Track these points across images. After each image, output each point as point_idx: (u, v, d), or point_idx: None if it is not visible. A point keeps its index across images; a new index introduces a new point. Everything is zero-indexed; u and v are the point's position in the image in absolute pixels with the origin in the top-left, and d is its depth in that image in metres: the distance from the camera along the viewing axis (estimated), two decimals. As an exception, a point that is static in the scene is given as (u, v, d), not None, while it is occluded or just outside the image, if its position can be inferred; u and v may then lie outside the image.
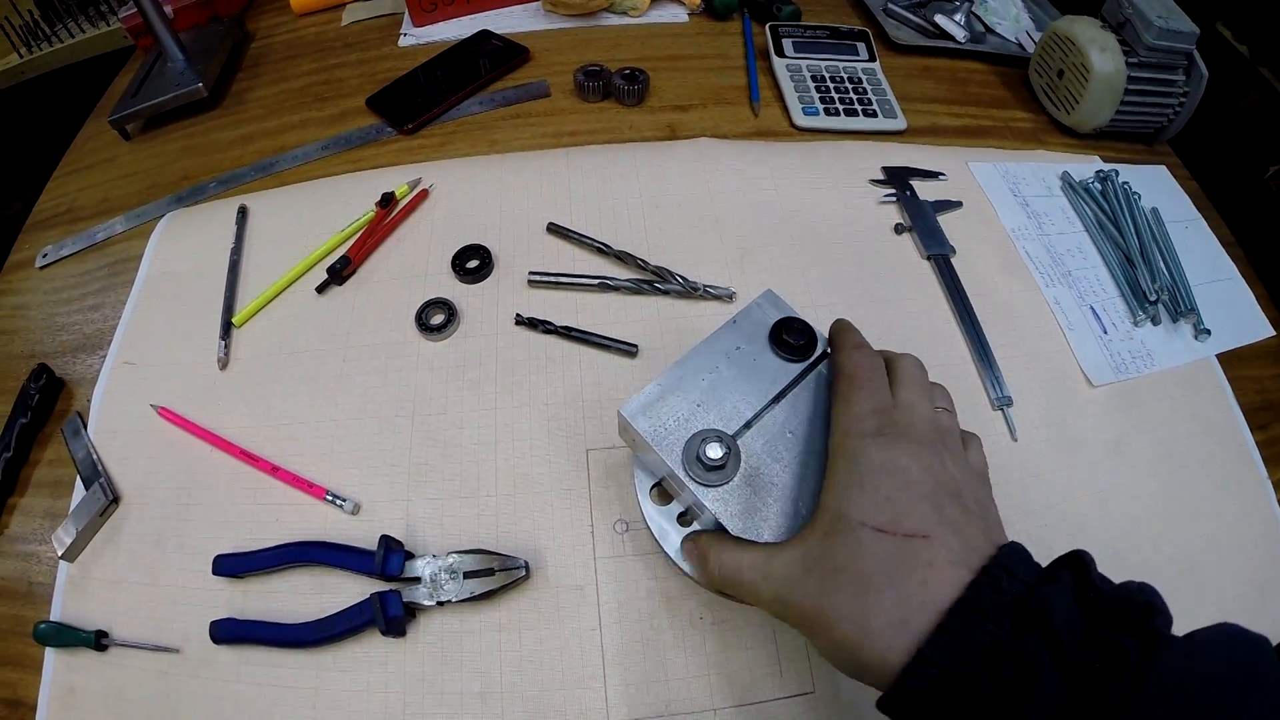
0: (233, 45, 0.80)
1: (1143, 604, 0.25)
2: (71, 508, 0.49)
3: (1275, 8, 1.00)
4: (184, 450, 0.50)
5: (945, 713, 0.25)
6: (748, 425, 0.36)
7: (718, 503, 0.34)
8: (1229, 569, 0.47)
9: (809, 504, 0.34)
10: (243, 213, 0.62)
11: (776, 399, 0.37)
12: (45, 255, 0.66)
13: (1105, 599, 0.26)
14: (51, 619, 0.45)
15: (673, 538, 0.39)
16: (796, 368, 0.38)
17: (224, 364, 0.53)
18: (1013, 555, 0.27)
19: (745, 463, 0.35)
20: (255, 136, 0.71)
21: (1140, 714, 0.22)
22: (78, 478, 0.50)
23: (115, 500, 0.49)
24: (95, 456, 0.51)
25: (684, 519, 0.39)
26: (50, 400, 0.55)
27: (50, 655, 0.44)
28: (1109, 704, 0.22)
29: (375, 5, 0.84)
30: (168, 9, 0.77)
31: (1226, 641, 0.25)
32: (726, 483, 0.34)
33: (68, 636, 0.44)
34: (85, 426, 0.53)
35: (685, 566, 0.38)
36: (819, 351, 0.39)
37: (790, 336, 0.38)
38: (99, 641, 0.43)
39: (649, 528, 0.39)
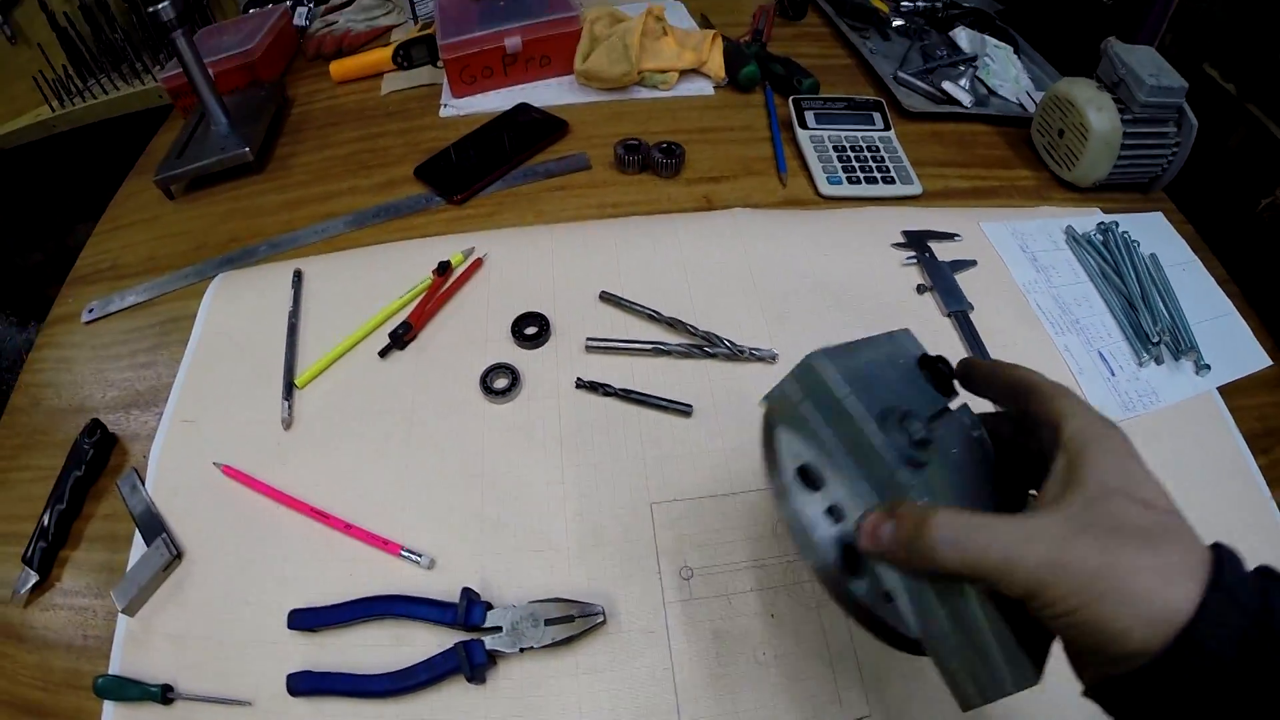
0: (276, 109, 0.85)
1: None
2: (130, 562, 0.51)
3: (1260, 46, 1.08)
4: (249, 508, 0.53)
5: (1240, 658, 0.24)
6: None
7: (921, 485, 0.31)
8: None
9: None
10: (298, 276, 0.66)
11: (937, 416, 0.35)
12: (91, 310, 0.69)
13: None
14: (111, 673, 0.46)
15: (823, 528, 0.33)
16: (943, 401, 0.37)
17: (288, 424, 0.56)
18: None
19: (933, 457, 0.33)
20: (303, 201, 0.76)
21: None
22: (135, 532, 0.52)
23: (179, 556, 0.51)
24: (156, 512, 0.53)
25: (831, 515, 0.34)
26: (104, 455, 0.57)
27: (110, 709, 0.45)
28: None
29: (413, 76, 0.90)
30: (210, 72, 0.82)
31: None
32: (927, 464, 0.32)
33: (131, 690, 0.45)
34: (143, 482, 0.55)
35: (819, 556, 0.33)
36: (956, 398, 0.37)
37: (944, 366, 0.37)
38: (165, 695, 0.45)
39: (792, 517, 0.34)
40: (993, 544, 0.28)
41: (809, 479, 0.35)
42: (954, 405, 0.37)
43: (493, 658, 0.44)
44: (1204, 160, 0.84)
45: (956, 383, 0.37)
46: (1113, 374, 0.62)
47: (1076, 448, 0.30)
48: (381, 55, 0.91)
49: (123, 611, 0.48)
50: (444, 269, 0.64)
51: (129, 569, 0.51)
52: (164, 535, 0.52)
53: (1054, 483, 0.30)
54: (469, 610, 0.45)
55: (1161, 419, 0.59)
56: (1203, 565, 0.26)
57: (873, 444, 0.32)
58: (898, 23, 1.03)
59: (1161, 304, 0.66)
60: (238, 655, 0.47)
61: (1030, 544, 0.27)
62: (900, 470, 0.31)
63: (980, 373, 0.37)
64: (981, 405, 0.37)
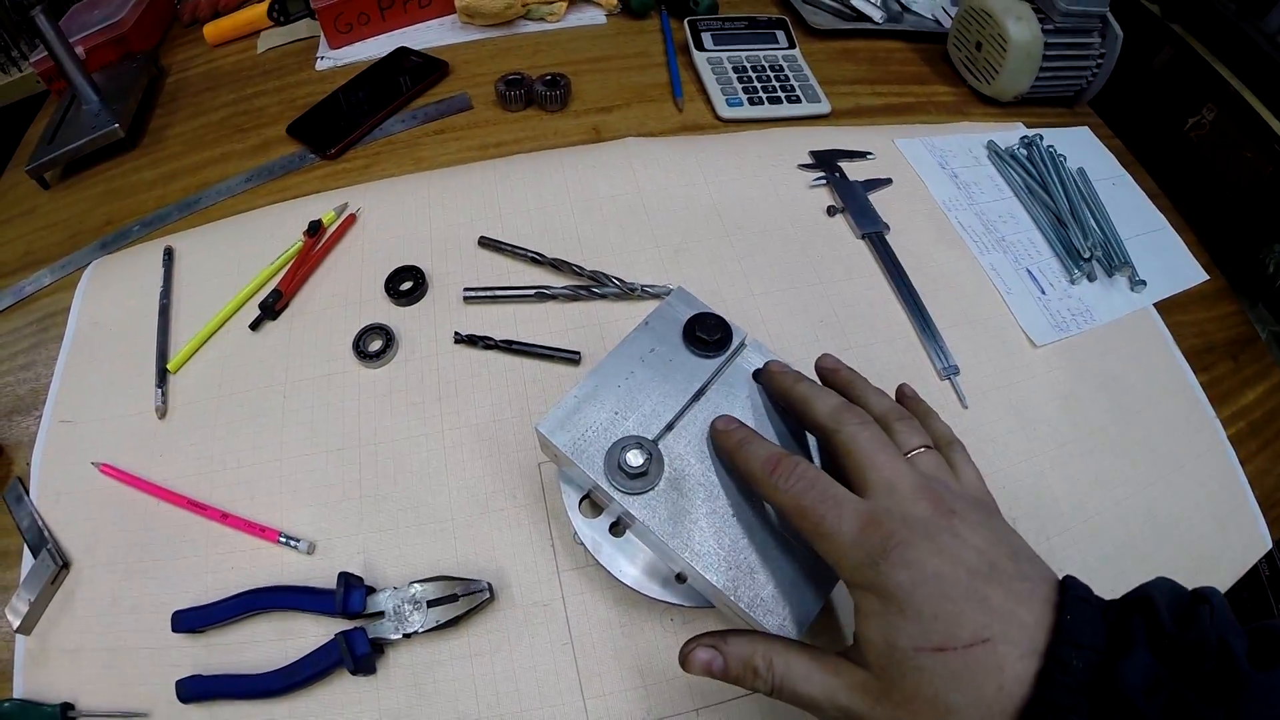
0: (148, 81, 0.72)
1: (1216, 645, 0.22)
2: (21, 578, 0.43)
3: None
4: (131, 506, 0.44)
5: None
6: (669, 427, 0.33)
7: (645, 510, 0.31)
8: (1188, 508, 0.45)
9: (738, 498, 0.31)
10: (169, 254, 0.56)
11: (696, 397, 0.34)
12: (-32, 316, 0.58)
13: (1180, 648, 0.23)
14: (15, 696, 0.39)
15: (606, 550, 0.34)
16: (713, 363, 0.35)
17: (162, 413, 0.47)
18: (1076, 619, 0.24)
19: (669, 466, 0.32)
20: (177, 174, 0.64)
21: None
22: (24, 546, 0.44)
23: (65, 565, 0.43)
24: (40, 522, 0.45)
25: (615, 529, 0.35)
26: (-11, 468, 0.49)
27: (15, 733, 0.38)
28: None
29: (290, 30, 0.76)
30: (80, 49, 0.69)
31: None
32: (651, 489, 0.31)
33: (32, 713, 0.38)
34: (28, 492, 0.47)
35: (625, 579, 0.34)
36: (735, 344, 0.36)
37: (703, 333, 0.35)
38: (65, 715, 0.38)
39: (583, 544, 0.35)
40: (807, 692, 0.27)
41: (593, 503, 0.36)
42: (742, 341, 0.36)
43: (379, 646, 0.37)
44: (1129, 80, 0.75)
45: (732, 325, 0.37)
46: (1043, 292, 0.54)
47: (853, 595, 0.27)
48: (256, 12, 0.77)
49: (17, 630, 0.41)
50: (315, 229, 0.53)
51: (20, 584, 0.42)
52: (49, 545, 0.44)
53: (856, 638, 0.27)
54: (347, 597, 0.37)
55: (1098, 338, 0.52)
56: (1019, 686, 0.23)
57: (604, 490, 0.32)
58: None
59: (1092, 219, 0.57)
60: (131, 664, 0.39)
61: (837, 696, 0.26)
62: (629, 500, 0.31)
63: (771, 383, 0.34)
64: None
